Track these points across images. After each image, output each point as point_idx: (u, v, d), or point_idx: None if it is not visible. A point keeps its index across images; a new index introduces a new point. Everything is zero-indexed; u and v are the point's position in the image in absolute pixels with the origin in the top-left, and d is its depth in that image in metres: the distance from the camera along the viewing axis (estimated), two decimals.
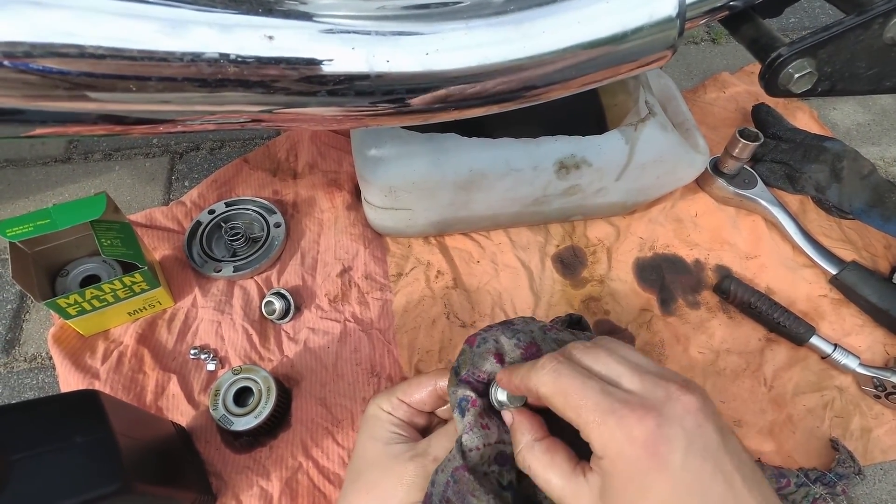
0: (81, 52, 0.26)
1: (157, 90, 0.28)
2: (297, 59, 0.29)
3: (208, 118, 0.33)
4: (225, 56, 0.28)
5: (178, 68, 0.27)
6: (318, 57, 0.29)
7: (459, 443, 0.30)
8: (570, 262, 0.60)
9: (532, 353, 0.33)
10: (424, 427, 0.36)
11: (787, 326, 0.54)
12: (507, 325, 0.35)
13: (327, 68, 0.29)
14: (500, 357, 0.32)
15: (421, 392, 0.34)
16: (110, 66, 0.27)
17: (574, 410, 0.26)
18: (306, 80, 0.30)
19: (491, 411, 0.31)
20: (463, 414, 0.31)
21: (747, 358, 0.55)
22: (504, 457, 0.30)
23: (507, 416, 0.31)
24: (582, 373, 0.27)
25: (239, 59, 0.28)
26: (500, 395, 0.31)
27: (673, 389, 0.25)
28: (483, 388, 0.32)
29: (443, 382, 0.34)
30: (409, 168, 0.48)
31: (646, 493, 0.24)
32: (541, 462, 0.28)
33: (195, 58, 0.27)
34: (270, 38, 0.28)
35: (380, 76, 0.31)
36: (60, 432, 0.33)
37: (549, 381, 0.27)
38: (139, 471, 0.35)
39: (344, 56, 0.30)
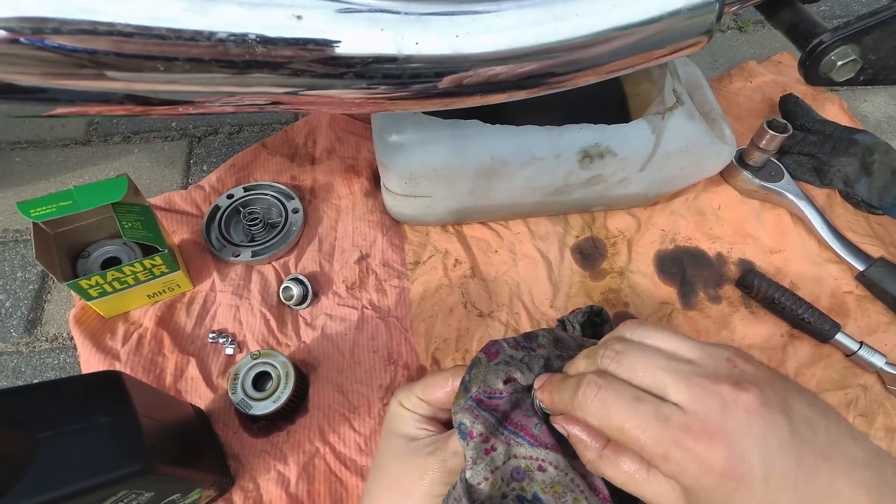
0: (109, 30, 0.26)
1: (183, 70, 0.27)
2: (325, 40, 0.28)
3: (230, 100, 0.32)
4: (253, 36, 0.27)
5: (205, 48, 0.27)
6: (347, 38, 0.28)
7: (464, 480, 0.28)
8: (589, 254, 0.60)
9: None
10: (448, 420, 0.36)
11: (811, 323, 0.53)
12: (530, 350, 0.33)
13: (356, 50, 0.29)
14: (516, 385, 0.31)
15: (438, 392, 0.33)
16: (137, 45, 0.26)
17: (634, 445, 0.25)
18: (334, 61, 0.29)
19: (501, 427, 0.29)
20: (465, 438, 0.29)
21: (769, 354, 0.54)
22: (520, 472, 0.29)
23: (561, 430, 0.29)
24: (628, 395, 0.25)
25: (266, 40, 0.27)
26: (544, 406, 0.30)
27: (726, 393, 0.24)
28: (492, 407, 0.30)
29: (459, 380, 0.33)
30: (430, 155, 0.48)
31: None
32: (614, 467, 0.26)
33: (223, 38, 0.27)
34: (299, 17, 0.28)
35: (408, 58, 0.30)
36: (84, 412, 0.33)
37: (597, 413, 0.26)
38: (160, 452, 0.35)
39: (373, 37, 0.29)
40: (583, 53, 0.32)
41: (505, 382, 0.31)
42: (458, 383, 0.33)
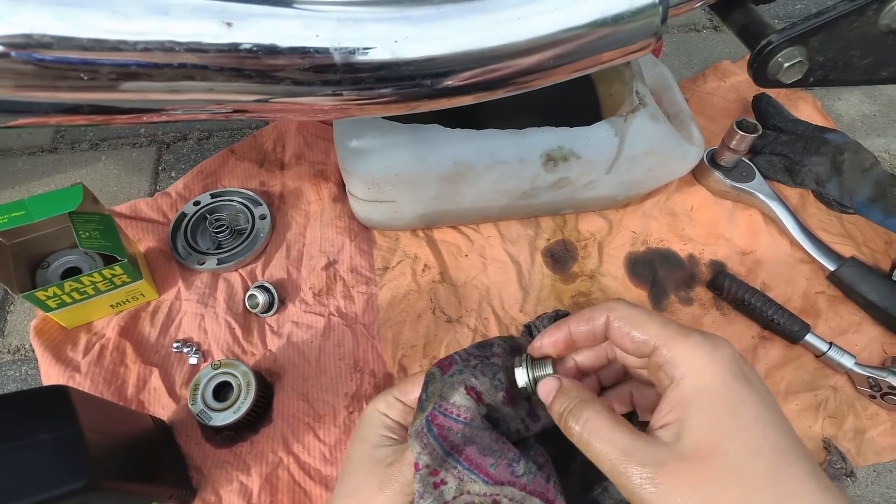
0: (28, 42, 0.26)
1: (110, 78, 0.27)
2: (255, 45, 0.27)
3: (182, 108, 0.32)
4: (181, 44, 0.27)
5: (131, 55, 0.26)
6: (279, 44, 0.28)
7: None
8: (560, 257, 0.59)
9: (512, 396, 0.31)
10: None
11: (780, 324, 0.53)
12: (485, 358, 0.32)
13: (288, 57, 0.28)
14: (475, 393, 0.30)
15: (414, 393, 0.33)
16: (61, 54, 0.26)
17: (656, 329, 0.26)
18: (267, 68, 0.29)
19: (452, 461, 0.28)
20: (414, 468, 0.28)
21: None
22: None
23: (552, 382, 0.28)
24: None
25: (195, 47, 0.27)
26: (534, 370, 0.30)
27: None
28: (444, 430, 0.29)
29: None
30: (392, 160, 0.47)
31: (741, 401, 0.23)
32: (602, 417, 0.25)
33: (148, 46, 0.26)
34: (229, 24, 0.27)
35: (347, 65, 0.29)
36: (26, 429, 0.32)
37: (625, 307, 0.27)
38: (110, 467, 0.35)
39: (306, 43, 0.28)
40: (527, 58, 0.31)
41: (465, 394, 0.30)
42: None
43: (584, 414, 0.26)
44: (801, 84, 0.34)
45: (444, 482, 0.27)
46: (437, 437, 0.28)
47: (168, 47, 0.27)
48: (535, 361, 0.31)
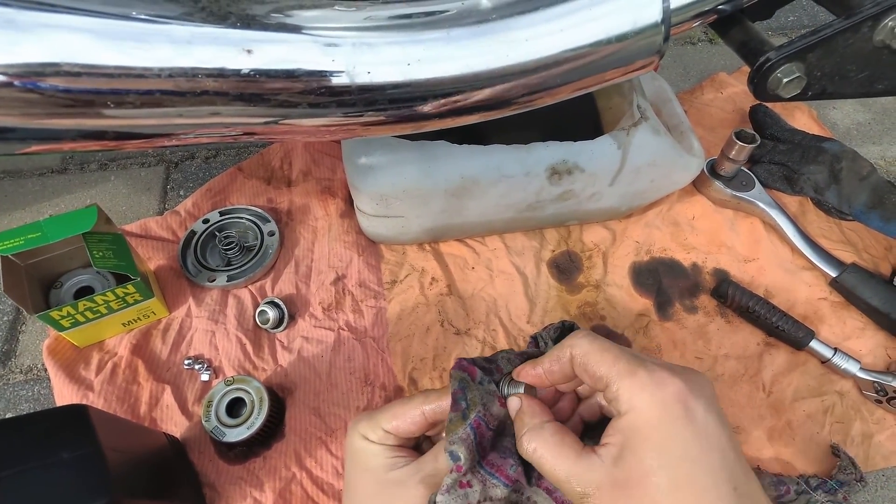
0: (57, 71, 0.26)
1: (135, 105, 0.28)
2: (275, 71, 0.28)
3: (199, 132, 0.33)
4: (203, 71, 0.28)
5: (154, 83, 0.27)
6: (298, 69, 0.29)
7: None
8: (565, 268, 0.60)
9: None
10: (416, 442, 0.35)
11: (785, 330, 0.53)
12: (491, 372, 0.34)
13: (307, 81, 0.29)
14: (502, 401, 0.32)
15: (407, 421, 0.33)
16: (86, 83, 0.27)
17: (607, 366, 0.28)
18: (286, 92, 0.29)
19: (478, 466, 0.29)
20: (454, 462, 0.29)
21: (745, 363, 0.54)
22: None
23: (515, 401, 0.31)
24: (612, 343, 0.29)
25: (217, 73, 0.28)
26: (509, 388, 0.32)
27: (689, 369, 0.29)
28: (484, 439, 0.30)
29: (429, 406, 0.32)
30: (400, 176, 0.48)
31: (670, 440, 0.25)
32: (548, 444, 0.28)
33: (172, 73, 0.27)
34: (249, 51, 0.28)
35: (361, 87, 0.30)
36: (47, 448, 0.32)
37: (584, 342, 0.29)
38: (128, 485, 0.35)
39: (323, 67, 0.29)
40: (534, 78, 0.32)
41: (499, 405, 0.31)
42: (429, 408, 0.32)
43: (535, 440, 0.28)
44: (799, 98, 0.35)
45: (469, 484, 0.28)
46: (478, 444, 0.29)
47: (191, 74, 0.28)
48: (513, 382, 0.33)
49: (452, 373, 0.32)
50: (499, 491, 0.29)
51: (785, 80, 0.33)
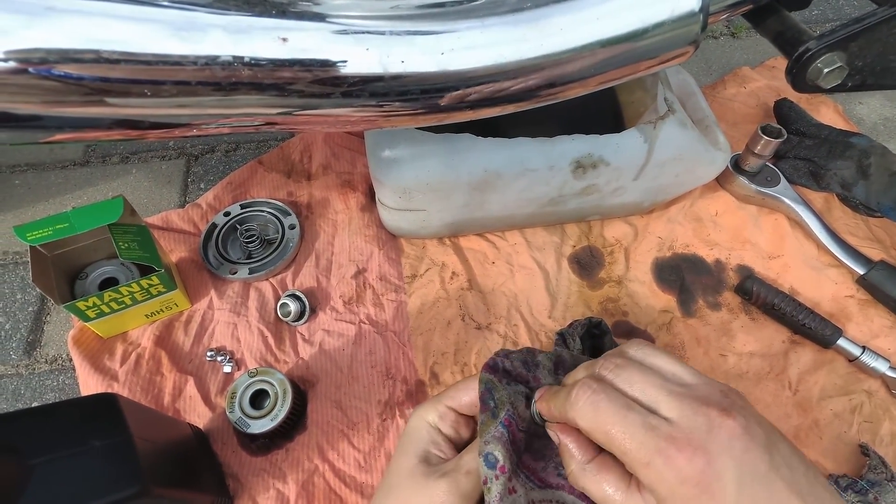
0: (97, 58, 0.26)
1: (171, 94, 0.28)
2: (310, 60, 0.28)
3: (223, 121, 0.33)
4: (239, 59, 0.28)
5: (191, 72, 0.27)
6: (332, 58, 0.29)
7: None
8: (586, 263, 0.59)
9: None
10: (469, 438, 0.35)
11: (812, 328, 0.53)
12: (531, 367, 0.33)
13: (341, 70, 0.29)
14: (530, 403, 0.31)
15: (469, 393, 0.33)
16: (124, 71, 0.27)
17: (618, 449, 0.25)
18: (320, 82, 0.29)
19: (518, 469, 0.29)
20: (493, 469, 0.28)
21: (771, 361, 0.53)
22: None
23: (553, 436, 0.30)
24: (620, 402, 0.26)
25: (252, 62, 0.28)
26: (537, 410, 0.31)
27: (714, 416, 0.25)
28: (518, 439, 0.29)
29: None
30: (423, 169, 0.48)
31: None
32: (594, 482, 0.27)
33: (208, 61, 0.27)
34: (284, 39, 0.28)
35: (394, 77, 0.30)
36: (79, 436, 0.33)
37: (587, 415, 0.26)
38: (157, 474, 0.35)
39: (358, 57, 0.29)
40: (569, 67, 0.32)
41: (524, 406, 0.31)
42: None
43: (580, 479, 0.27)
44: (839, 89, 0.34)
45: (514, 490, 0.28)
46: (513, 443, 0.29)
47: (227, 63, 0.27)
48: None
49: (481, 376, 0.32)
50: (536, 493, 0.28)
51: (826, 70, 0.32)
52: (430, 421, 0.33)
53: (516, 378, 0.33)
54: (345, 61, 0.29)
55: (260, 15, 0.29)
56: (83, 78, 0.27)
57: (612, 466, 0.27)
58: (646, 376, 0.27)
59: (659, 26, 0.31)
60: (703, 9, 0.31)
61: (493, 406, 0.29)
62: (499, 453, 0.28)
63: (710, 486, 0.23)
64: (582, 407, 0.27)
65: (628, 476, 0.26)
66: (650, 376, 0.27)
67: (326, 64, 0.29)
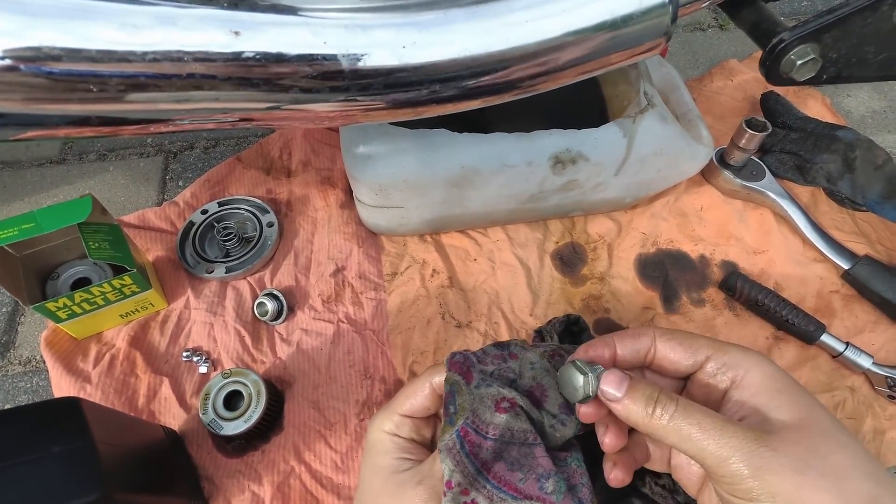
0: (35, 55, 0.26)
1: (120, 90, 0.27)
2: (263, 54, 0.27)
3: (190, 118, 0.32)
4: (189, 54, 0.27)
5: (139, 66, 0.26)
6: (288, 52, 0.28)
7: None
8: (569, 260, 0.59)
9: (537, 396, 0.31)
10: (432, 437, 0.34)
11: (795, 324, 0.52)
12: (503, 368, 0.31)
13: (297, 65, 0.28)
14: (508, 403, 0.29)
15: (419, 397, 0.32)
16: (72, 66, 0.26)
17: (705, 345, 0.28)
18: (277, 77, 0.28)
19: (483, 480, 0.27)
20: (445, 484, 0.27)
21: None
22: None
23: (621, 377, 0.27)
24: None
25: (204, 57, 0.27)
26: (590, 378, 0.28)
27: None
28: (475, 447, 0.28)
29: (437, 378, 0.31)
30: (399, 166, 0.47)
31: (801, 391, 0.26)
32: (688, 413, 0.25)
33: (157, 56, 0.26)
34: (237, 33, 0.27)
35: (355, 72, 0.29)
36: (38, 442, 0.32)
37: (667, 332, 0.29)
38: (122, 479, 0.35)
39: (314, 51, 0.28)
40: (535, 60, 0.31)
41: (494, 410, 0.29)
42: (437, 380, 0.31)
43: (672, 404, 0.25)
44: (814, 82, 0.33)
45: (474, 502, 0.27)
46: (469, 454, 0.27)
47: (176, 57, 0.27)
48: (578, 367, 0.29)
49: (447, 376, 0.30)
50: None
51: (799, 62, 0.32)
52: (388, 430, 0.32)
53: (492, 374, 0.32)
54: (300, 56, 0.28)
55: (214, 7, 0.28)
56: (33, 73, 0.26)
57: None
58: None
59: (627, 18, 0.30)
60: (673, 0, 0.30)
61: (453, 412, 0.28)
62: (446, 463, 0.27)
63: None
64: (656, 328, 0.29)
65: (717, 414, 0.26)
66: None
67: (281, 59, 0.28)
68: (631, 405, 0.26)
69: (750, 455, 0.23)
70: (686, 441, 0.25)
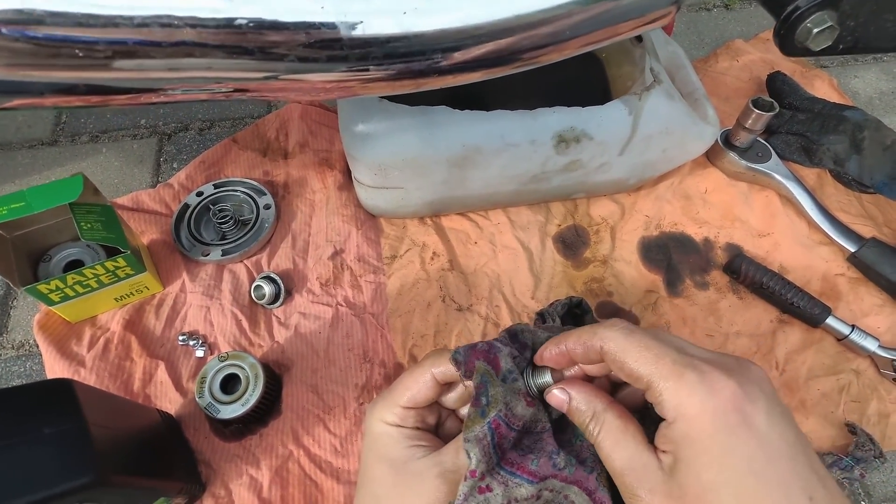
0: (29, 18, 0.24)
1: (107, 56, 0.26)
2: (258, 21, 0.26)
3: (182, 87, 0.31)
4: (180, 19, 0.25)
5: (128, 31, 0.25)
6: (283, 18, 0.26)
7: None
8: (571, 242, 0.58)
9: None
10: (437, 422, 0.32)
11: (800, 307, 0.51)
12: (519, 360, 0.31)
13: (293, 32, 0.27)
14: (530, 400, 0.29)
15: (420, 389, 0.30)
16: (56, 30, 0.25)
17: (648, 366, 0.24)
18: (272, 44, 0.27)
19: (497, 468, 0.27)
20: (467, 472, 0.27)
21: (758, 340, 0.52)
22: None
23: (562, 394, 0.28)
24: (653, 333, 0.26)
25: (196, 23, 0.26)
26: (535, 377, 0.29)
27: (741, 358, 0.25)
28: (503, 440, 0.27)
29: (438, 369, 0.30)
30: (399, 144, 0.46)
31: (730, 453, 0.22)
32: (611, 430, 0.26)
33: (145, 21, 0.25)
34: None
35: (353, 39, 0.28)
36: (29, 424, 0.31)
37: (620, 336, 0.25)
38: (117, 461, 0.34)
39: (313, 18, 0.27)
40: (542, 29, 0.30)
41: (525, 405, 0.29)
42: (438, 370, 0.29)
43: (598, 424, 0.26)
44: (830, 52, 0.32)
45: (489, 489, 0.26)
46: (497, 445, 0.27)
47: (165, 23, 0.25)
48: (536, 369, 0.30)
49: (477, 365, 0.29)
50: (523, 490, 0.27)
51: (815, 30, 0.30)
52: (391, 422, 0.30)
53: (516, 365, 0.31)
54: (296, 22, 0.27)
55: None
56: (14, 37, 0.25)
57: (631, 419, 0.26)
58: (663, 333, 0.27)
59: None
60: None
61: (485, 403, 0.27)
62: (474, 454, 0.26)
63: (744, 408, 0.23)
64: (615, 331, 0.26)
65: (645, 437, 0.26)
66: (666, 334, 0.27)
67: (276, 25, 0.26)
68: (574, 420, 0.28)
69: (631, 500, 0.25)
70: (600, 454, 0.27)
